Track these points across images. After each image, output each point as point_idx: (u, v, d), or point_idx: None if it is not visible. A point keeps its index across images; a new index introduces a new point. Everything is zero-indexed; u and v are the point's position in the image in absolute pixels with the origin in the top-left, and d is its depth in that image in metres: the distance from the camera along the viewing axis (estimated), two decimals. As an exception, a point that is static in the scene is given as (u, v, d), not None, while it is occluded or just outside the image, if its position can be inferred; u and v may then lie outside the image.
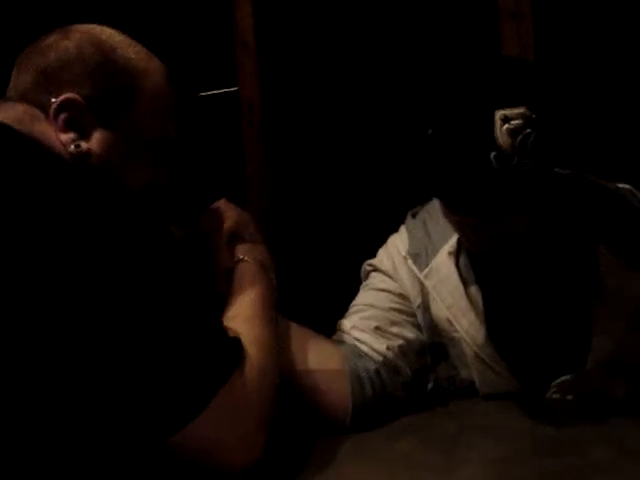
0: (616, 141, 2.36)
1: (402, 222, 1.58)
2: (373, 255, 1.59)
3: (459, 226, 1.37)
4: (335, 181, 2.70)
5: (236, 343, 1.08)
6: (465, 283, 1.43)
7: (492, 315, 1.41)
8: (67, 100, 1.12)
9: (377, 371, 1.40)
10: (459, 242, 1.44)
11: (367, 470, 1.13)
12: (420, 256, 1.48)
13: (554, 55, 2.43)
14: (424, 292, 1.47)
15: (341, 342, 1.43)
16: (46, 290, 0.94)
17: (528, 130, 1.18)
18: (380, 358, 1.41)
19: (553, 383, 1.35)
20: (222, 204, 1.40)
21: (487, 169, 1.19)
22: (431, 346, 1.48)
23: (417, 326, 1.47)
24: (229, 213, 1.38)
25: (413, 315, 1.48)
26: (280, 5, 2.87)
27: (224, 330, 1.10)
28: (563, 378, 1.35)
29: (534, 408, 1.31)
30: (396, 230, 1.58)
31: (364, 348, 1.42)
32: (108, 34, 1.20)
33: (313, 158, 2.83)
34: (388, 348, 1.42)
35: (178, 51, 2.95)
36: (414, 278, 1.48)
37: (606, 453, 1.07)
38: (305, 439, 1.26)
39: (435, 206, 1.48)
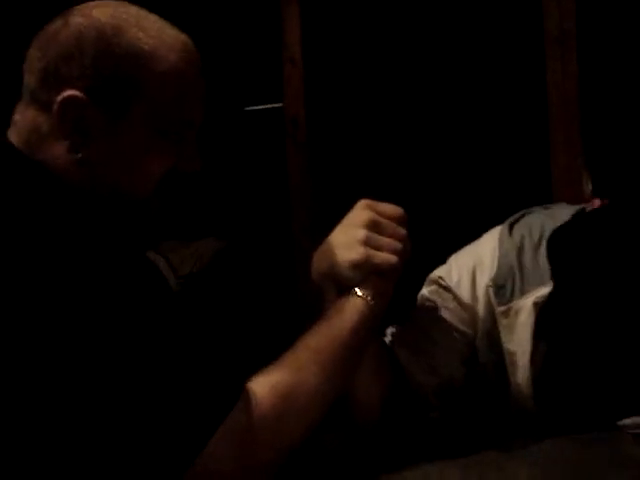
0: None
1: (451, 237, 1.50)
2: (414, 272, 1.41)
3: None
4: (380, 197, 2.73)
5: (228, 393, 0.99)
6: (536, 339, 1.32)
7: (547, 377, 1.32)
8: (68, 98, 1.04)
9: (409, 398, 1.36)
10: (551, 294, 1.31)
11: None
12: (504, 289, 1.35)
13: (597, 81, 2.43)
14: (492, 326, 1.36)
15: (393, 363, 1.36)
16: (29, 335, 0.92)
17: None
18: (421, 392, 1.36)
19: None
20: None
21: None
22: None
23: (465, 359, 1.39)
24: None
25: (465, 349, 1.39)
26: (329, 21, 2.89)
27: (223, 375, 1.00)
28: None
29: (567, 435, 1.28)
30: (440, 248, 1.47)
31: (410, 380, 1.36)
32: (112, 13, 1.08)
33: (357, 174, 2.84)
34: (429, 385, 1.36)
35: (225, 65, 3.00)
36: (488, 308, 1.36)
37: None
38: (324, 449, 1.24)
39: (537, 225, 1.39)
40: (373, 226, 1.17)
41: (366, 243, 1.16)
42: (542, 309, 1.31)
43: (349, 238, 1.17)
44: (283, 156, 2.97)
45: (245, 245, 2.80)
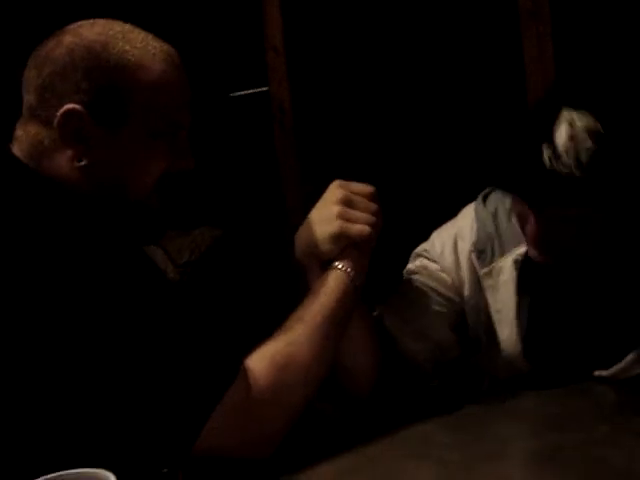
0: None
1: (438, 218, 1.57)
2: (400, 252, 1.56)
3: (524, 223, 1.31)
4: (364, 176, 2.76)
5: (226, 370, 1.07)
6: (519, 295, 1.42)
7: (533, 330, 1.41)
8: (67, 111, 1.12)
9: (404, 369, 1.44)
10: (527, 253, 1.38)
11: (382, 447, 1.19)
12: (485, 253, 1.45)
13: (573, 55, 2.45)
14: (478, 289, 1.46)
15: (382, 334, 1.44)
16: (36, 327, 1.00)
17: (589, 144, 1.17)
18: (411, 357, 1.45)
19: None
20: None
21: (538, 164, 1.20)
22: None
23: (454, 326, 1.48)
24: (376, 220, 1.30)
25: (453, 315, 1.48)
26: (309, 8, 2.93)
27: (221, 354, 1.10)
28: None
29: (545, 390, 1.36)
30: (423, 227, 1.57)
31: (400, 348, 1.45)
32: (99, 30, 1.16)
33: (344, 154, 2.88)
34: (419, 351, 1.45)
35: (210, 56, 3.05)
36: (472, 273, 1.47)
37: (605, 429, 1.15)
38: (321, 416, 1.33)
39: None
40: (347, 202, 1.27)
41: (341, 217, 1.26)
42: (522, 265, 1.40)
43: (326, 214, 1.27)
44: (272, 139, 3.02)
45: (240, 231, 2.86)
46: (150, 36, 1.20)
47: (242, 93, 3.13)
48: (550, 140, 1.19)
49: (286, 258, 1.35)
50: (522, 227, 1.33)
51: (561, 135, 1.18)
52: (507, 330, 1.42)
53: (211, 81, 3.09)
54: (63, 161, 1.15)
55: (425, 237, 1.58)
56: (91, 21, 1.19)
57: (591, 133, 1.18)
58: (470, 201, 1.56)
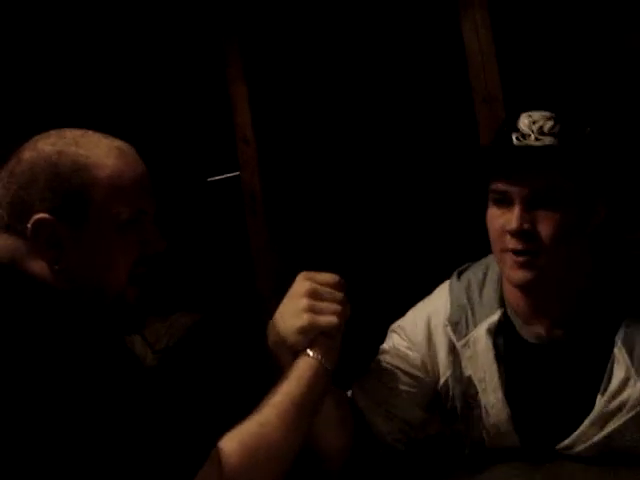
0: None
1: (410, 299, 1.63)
2: (381, 333, 1.62)
3: (499, 231, 1.39)
4: (338, 261, 2.81)
5: (198, 451, 1.11)
6: (498, 361, 1.47)
7: (514, 394, 1.47)
8: (37, 222, 1.18)
9: (376, 446, 1.51)
10: (499, 321, 1.48)
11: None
12: (460, 325, 1.50)
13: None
14: (457, 361, 1.51)
15: (354, 414, 1.51)
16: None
17: (547, 121, 1.37)
18: (382, 438, 1.51)
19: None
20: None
21: (509, 146, 1.38)
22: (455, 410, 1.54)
23: (426, 403, 1.54)
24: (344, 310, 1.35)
25: (422, 394, 1.54)
26: (276, 99, 3.03)
27: (191, 435, 1.12)
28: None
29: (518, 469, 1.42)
30: (402, 309, 1.63)
31: (373, 429, 1.51)
32: (53, 141, 1.23)
33: (315, 237, 2.96)
34: (390, 432, 1.51)
35: (189, 148, 3.17)
36: (450, 346, 1.52)
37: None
38: None
39: (481, 268, 1.55)
40: (313, 294, 1.32)
41: (309, 310, 1.31)
42: (496, 332, 1.47)
43: (294, 308, 1.33)
44: (244, 224, 3.09)
45: (214, 315, 2.90)
46: (102, 136, 1.27)
47: (217, 178, 3.23)
48: (516, 129, 1.38)
49: (257, 341, 1.40)
50: (498, 238, 1.39)
51: (523, 122, 1.38)
52: (493, 397, 1.47)
53: (189, 170, 3.19)
54: (42, 266, 1.21)
55: (403, 314, 1.64)
56: (45, 134, 1.26)
57: (547, 116, 1.39)
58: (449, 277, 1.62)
